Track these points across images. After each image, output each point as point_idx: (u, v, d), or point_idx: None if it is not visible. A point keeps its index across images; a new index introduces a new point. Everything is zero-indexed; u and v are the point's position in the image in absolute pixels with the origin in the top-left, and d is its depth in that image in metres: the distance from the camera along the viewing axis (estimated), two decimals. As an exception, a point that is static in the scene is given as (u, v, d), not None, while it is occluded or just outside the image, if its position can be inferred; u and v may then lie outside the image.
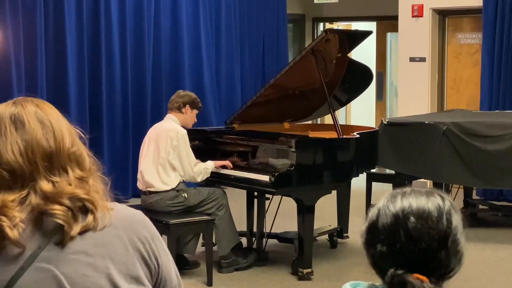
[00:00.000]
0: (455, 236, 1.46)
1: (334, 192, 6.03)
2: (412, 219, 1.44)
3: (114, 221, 1.50)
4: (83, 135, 1.65)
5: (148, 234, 1.54)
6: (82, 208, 1.48)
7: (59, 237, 1.44)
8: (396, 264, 1.44)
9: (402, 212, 1.46)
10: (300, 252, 5.47)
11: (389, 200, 1.50)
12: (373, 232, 1.49)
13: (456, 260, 1.47)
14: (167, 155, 5.37)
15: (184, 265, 5.66)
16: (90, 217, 1.47)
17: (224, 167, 5.70)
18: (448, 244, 1.45)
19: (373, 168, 6.56)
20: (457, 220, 1.48)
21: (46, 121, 1.56)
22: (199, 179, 5.49)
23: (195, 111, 5.63)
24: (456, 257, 1.47)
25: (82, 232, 1.46)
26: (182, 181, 5.50)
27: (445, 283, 1.49)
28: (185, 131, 5.46)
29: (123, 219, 1.52)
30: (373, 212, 1.52)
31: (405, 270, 1.43)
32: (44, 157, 1.50)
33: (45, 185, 1.47)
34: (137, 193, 7.05)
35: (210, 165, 5.56)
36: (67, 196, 1.47)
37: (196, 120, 5.73)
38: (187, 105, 5.56)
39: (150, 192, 5.45)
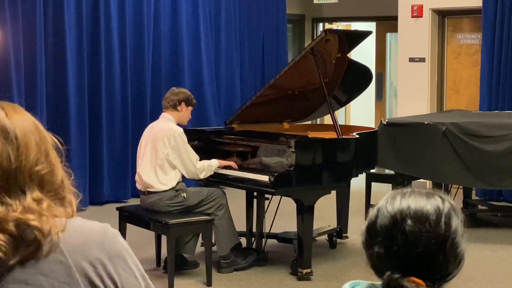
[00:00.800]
0: (453, 240, 1.44)
1: (333, 192, 6.03)
2: (409, 222, 1.43)
3: (63, 245, 1.38)
4: (60, 146, 1.50)
5: (104, 254, 1.41)
6: (29, 235, 1.35)
7: None
8: (392, 267, 1.43)
9: (400, 214, 1.44)
10: (299, 252, 5.47)
11: (388, 201, 1.49)
12: (372, 233, 1.48)
13: (455, 264, 1.46)
14: (166, 155, 5.37)
15: (183, 265, 5.66)
16: (33, 246, 1.35)
17: (229, 167, 5.69)
18: (446, 248, 1.43)
19: (373, 169, 6.56)
20: (456, 222, 1.46)
21: (11, 134, 1.40)
22: (201, 176, 5.48)
23: (190, 108, 5.63)
24: (455, 261, 1.45)
25: (23, 261, 1.35)
26: (181, 180, 5.50)
27: (444, 285, 1.47)
28: (181, 130, 5.45)
29: (73, 242, 1.40)
30: (372, 212, 1.51)
31: (402, 274, 1.41)
32: (1, 176, 1.37)
33: None
34: (136, 193, 7.06)
35: (214, 163, 5.55)
36: (14, 222, 1.34)
37: (190, 117, 5.72)
38: (182, 103, 5.55)
39: (149, 192, 5.44)
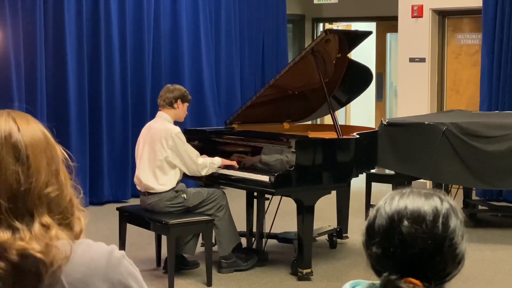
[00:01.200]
0: (451, 241, 1.43)
1: (333, 193, 6.03)
2: (406, 222, 1.42)
3: (64, 277, 1.33)
4: (70, 163, 1.43)
5: (107, 285, 1.36)
6: (31, 266, 1.30)
7: None
8: (390, 268, 1.43)
9: (398, 214, 1.44)
10: (299, 252, 5.47)
11: (387, 201, 1.49)
12: (370, 233, 1.48)
13: (453, 264, 1.45)
14: (166, 157, 5.36)
15: (183, 266, 5.66)
16: (34, 278, 1.30)
17: (230, 167, 5.69)
18: (444, 249, 1.43)
19: (373, 169, 6.55)
20: (455, 223, 1.45)
21: (22, 152, 1.32)
22: (203, 173, 5.46)
23: (186, 104, 5.61)
24: (453, 261, 1.45)
25: None
26: (181, 179, 5.50)
27: (445, 286, 1.47)
28: (178, 129, 5.44)
29: (75, 275, 1.34)
30: (372, 212, 1.51)
31: (399, 275, 1.41)
32: (9, 198, 1.30)
33: (1, 234, 1.28)
34: (136, 193, 7.07)
35: (217, 161, 5.55)
36: (18, 251, 1.28)
37: (187, 113, 5.70)
38: (178, 100, 5.54)
39: (149, 193, 5.44)
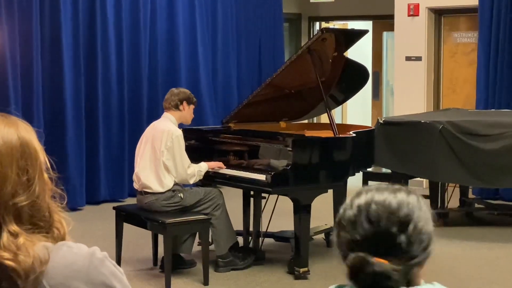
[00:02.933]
0: (417, 224, 1.49)
1: (330, 191, 6.03)
2: (373, 206, 1.50)
3: (46, 280, 1.33)
4: (51, 172, 1.42)
5: (88, 284, 1.35)
6: (4, 275, 1.29)
7: None
8: (357, 249, 1.48)
9: (365, 203, 1.52)
10: (296, 251, 5.47)
11: (354, 196, 1.57)
12: (340, 224, 1.55)
13: (419, 248, 1.49)
14: (161, 156, 5.36)
15: (180, 265, 5.65)
16: (10, 286, 1.29)
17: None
18: (409, 229, 1.48)
19: (369, 167, 6.56)
20: (420, 213, 1.52)
21: None
22: (191, 181, 5.47)
23: (192, 107, 5.62)
24: (419, 245, 1.49)
25: None
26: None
27: (412, 272, 1.49)
28: (180, 132, 5.44)
29: (56, 277, 1.34)
30: (341, 208, 1.58)
31: (366, 253, 1.46)
32: None
33: None
34: (133, 192, 7.04)
35: (203, 168, 5.54)
36: None
37: (193, 116, 5.71)
38: (184, 102, 5.55)
39: (146, 193, 5.44)
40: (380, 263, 1.45)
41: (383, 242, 1.48)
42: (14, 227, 1.32)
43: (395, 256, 1.47)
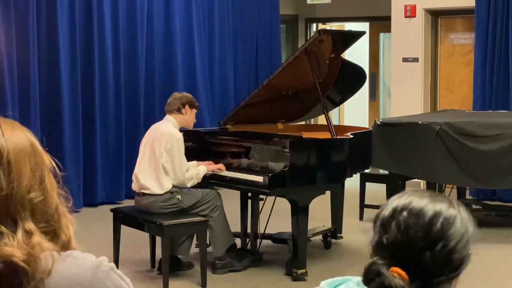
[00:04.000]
0: (448, 243, 1.43)
1: (328, 193, 6.03)
2: (405, 213, 1.44)
3: (51, 284, 1.30)
4: (57, 171, 1.41)
5: None
6: (12, 274, 1.26)
7: None
8: (381, 255, 1.44)
9: (401, 207, 1.46)
10: (294, 252, 5.47)
11: (397, 196, 1.51)
12: (375, 222, 1.51)
13: (445, 269, 1.44)
14: (160, 157, 5.36)
15: (178, 267, 5.65)
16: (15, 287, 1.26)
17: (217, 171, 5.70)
18: (437, 247, 1.42)
19: (367, 169, 6.56)
20: (458, 230, 1.44)
21: (4, 157, 1.30)
22: (189, 185, 5.47)
23: (195, 111, 5.63)
24: (446, 266, 1.44)
25: None
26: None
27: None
28: (180, 135, 5.44)
29: (58, 287, 1.31)
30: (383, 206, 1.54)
31: (387, 262, 1.42)
32: None
33: None
34: (130, 194, 7.05)
35: (202, 171, 5.54)
36: (2, 257, 1.26)
37: (196, 120, 5.72)
38: (186, 105, 5.55)
39: (144, 194, 5.43)
40: (394, 275, 1.40)
41: (407, 254, 1.42)
42: (30, 225, 1.30)
43: (416, 270, 1.41)
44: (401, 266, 1.41)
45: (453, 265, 1.45)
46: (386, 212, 1.48)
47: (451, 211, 1.46)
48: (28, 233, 1.30)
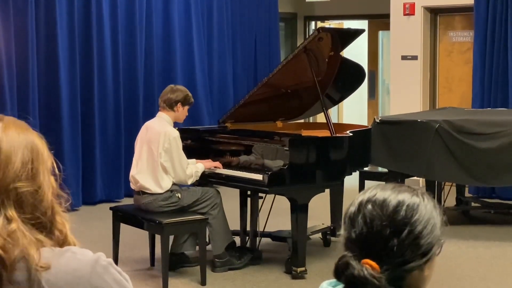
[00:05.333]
0: (413, 229, 1.46)
1: (327, 191, 6.03)
2: (369, 206, 1.49)
3: (47, 286, 1.32)
4: (56, 171, 1.43)
5: None
6: None
7: None
8: (351, 249, 1.48)
9: (366, 200, 1.51)
10: (293, 250, 5.47)
11: (362, 192, 1.56)
12: (344, 219, 1.55)
13: (414, 254, 1.46)
14: (159, 157, 5.35)
15: (184, 263, 5.67)
16: None
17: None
18: (403, 234, 1.45)
19: (366, 167, 6.57)
20: (423, 215, 1.48)
21: None
22: (189, 182, 5.47)
23: (187, 107, 5.62)
24: (414, 251, 1.46)
25: None
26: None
27: (408, 278, 1.47)
28: (177, 133, 5.43)
29: (58, 283, 1.33)
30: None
31: (356, 254, 1.46)
32: None
33: None
34: (129, 193, 7.06)
35: (200, 168, 5.54)
36: None
37: (187, 114, 5.69)
38: (179, 103, 5.53)
39: (144, 193, 5.43)
40: (364, 266, 1.43)
41: (375, 244, 1.46)
42: (11, 212, 1.31)
43: (386, 259, 1.45)
44: (371, 257, 1.45)
45: (422, 251, 1.47)
46: (353, 207, 1.53)
47: (414, 199, 1.50)
48: (8, 220, 1.31)
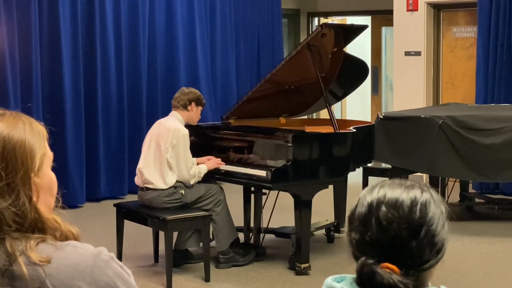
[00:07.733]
0: (429, 227, 1.44)
1: (330, 187, 6.03)
2: (383, 208, 1.45)
3: (49, 280, 1.32)
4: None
5: (91, 285, 1.34)
6: None
7: None
8: (368, 254, 1.44)
9: (376, 201, 1.47)
10: (297, 247, 5.47)
11: (367, 191, 1.52)
12: (351, 220, 1.51)
13: (431, 252, 1.45)
14: (166, 153, 5.36)
15: (188, 259, 5.68)
16: None
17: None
18: (421, 234, 1.43)
19: (370, 163, 6.55)
20: (434, 211, 1.46)
21: None
22: (192, 182, 5.47)
23: (200, 108, 5.65)
24: (431, 249, 1.45)
25: None
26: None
27: (422, 275, 1.46)
28: (186, 132, 5.44)
29: (59, 276, 1.34)
30: (354, 202, 1.54)
31: (376, 260, 1.42)
32: None
33: None
34: (133, 189, 7.06)
35: (203, 170, 5.55)
36: None
37: (200, 117, 5.73)
38: (192, 103, 5.56)
39: (148, 188, 5.44)
40: (388, 272, 1.40)
41: (394, 248, 1.43)
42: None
43: (406, 261, 1.42)
44: (390, 261, 1.42)
45: (437, 248, 1.46)
46: (362, 208, 1.48)
47: (425, 195, 1.48)
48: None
